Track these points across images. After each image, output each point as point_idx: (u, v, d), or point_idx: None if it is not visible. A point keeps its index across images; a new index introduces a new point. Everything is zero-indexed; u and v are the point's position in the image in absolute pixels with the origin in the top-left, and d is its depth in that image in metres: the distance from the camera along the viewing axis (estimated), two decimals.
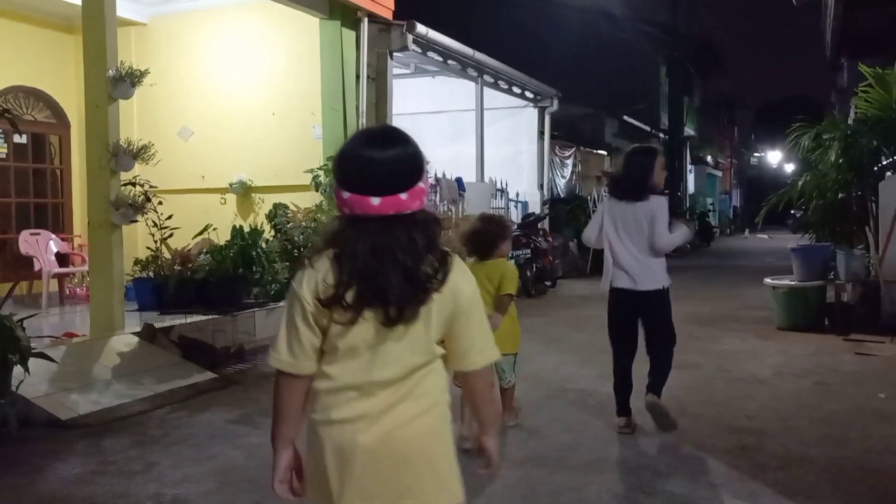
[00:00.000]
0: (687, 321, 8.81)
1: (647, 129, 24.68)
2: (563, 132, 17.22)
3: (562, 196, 16.66)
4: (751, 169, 50.63)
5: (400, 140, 1.79)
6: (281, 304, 5.06)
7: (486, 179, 12.57)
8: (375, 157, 1.72)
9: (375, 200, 1.69)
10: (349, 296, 1.69)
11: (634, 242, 4.38)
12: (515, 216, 13.68)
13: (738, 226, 40.00)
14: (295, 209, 8.17)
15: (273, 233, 7.97)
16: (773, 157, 45.89)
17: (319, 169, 9.01)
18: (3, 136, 8.78)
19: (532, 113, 15.05)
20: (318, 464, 1.78)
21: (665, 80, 27.33)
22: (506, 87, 13.50)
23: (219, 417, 4.94)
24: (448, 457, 1.85)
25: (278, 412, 1.82)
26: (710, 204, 35.56)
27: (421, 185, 1.75)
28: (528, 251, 11.77)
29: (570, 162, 17.77)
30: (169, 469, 3.98)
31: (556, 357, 6.73)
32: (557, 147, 16.86)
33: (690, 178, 31.71)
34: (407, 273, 1.70)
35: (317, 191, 8.99)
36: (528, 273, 11.64)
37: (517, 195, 14.08)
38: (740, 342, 7.46)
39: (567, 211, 15.74)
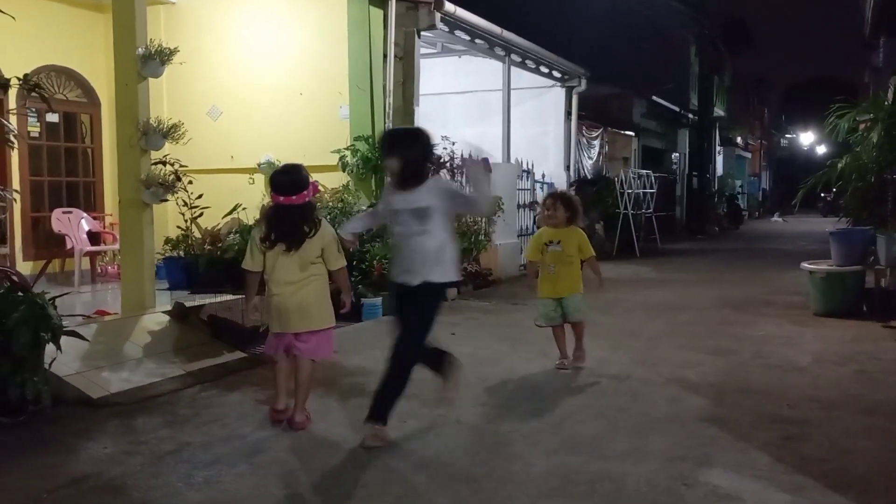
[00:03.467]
0: (718, 305, 8.69)
1: (676, 109, 24.30)
2: (591, 112, 16.97)
3: (588, 177, 16.46)
4: (781, 151, 49.80)
5: (294, 171, 4.27)
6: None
7: (513, 160, 12.44)
8: (279, 180, 4.23)
9: (280, 198, 4.18)
10: (271, 237, 4.18)
11: None
12: (541, 197, 13.52)
13: (768, 208, 39.46)
14: (322, 189, 8.12)
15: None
16: (805, 138, 45.05)
17: (346, 149, 8.95)
18: (35, 114, 8.82)
19: (559, 93, 14.83)
20: (270, 311, 4.30)
21: (695, 59, 26.86)
22: (533, 66, 13.29)
23: (248, 398, 4.92)
24: (327, 306, 4.34)
25: (247, 289, 4.43)
26: (740, 186, 35.08)
27: (304, 192, 4.19)
28: None
29: (597, 143, 17.53)
30: (200, 449, 3.95)
31: (584, 341, 6.62)
32: (584, 127, 16.63)
33: (719, 160, 31.25)
34: (293, 229, 4.16)
35: (343, 171, 8.93)
36: None
37: (543, 176, 13.93)
38: (775, 328, 7.31)
39: (594, 192, 15.55)
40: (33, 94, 5.01)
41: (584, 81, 14.84)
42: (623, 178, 16.19)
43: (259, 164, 9.30)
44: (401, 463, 3.77)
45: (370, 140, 9.04)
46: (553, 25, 19.12)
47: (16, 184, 8.08)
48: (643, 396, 4.92)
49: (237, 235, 7.14)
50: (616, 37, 21.96)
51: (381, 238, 8.28)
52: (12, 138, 5.48)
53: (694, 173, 25.71)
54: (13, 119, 5.66)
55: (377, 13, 9.12)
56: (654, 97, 22.01)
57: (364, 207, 8.76)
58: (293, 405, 4.33)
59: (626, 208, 15.64)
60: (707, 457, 3.75)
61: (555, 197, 5.84)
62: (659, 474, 3.51)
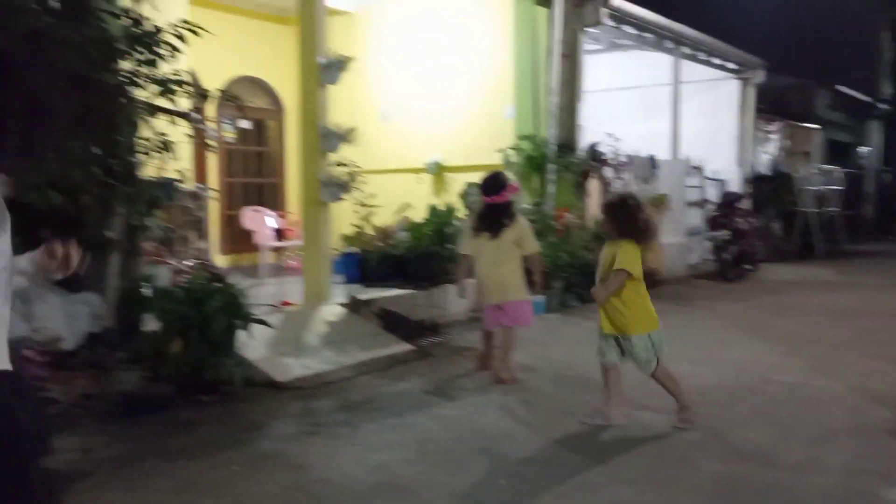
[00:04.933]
0: None
1: (868, 99, 22.32)
2: (768, 105, 16.01)
3: (765, 173, 15.56)
4: None
5: (496, 178, 5.34)
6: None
7: (681, 157, 12.02)
8: (486, 184, 5.33)
9: (486, 198, 5.30)
10: (479, 227, 5.31)
11: None
12: (712, 195, 12.99)
13: None
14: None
15: (465, 211, 8.16)
16: None
17: (510, 148, 9.07)
18: (230, 121, 9.70)
19: (733, 85, 14.13)
20: (479, 286, 5.38)
21: (890, 45, 24.53)
22: (705, 58, 12.75)
23: (416, 388, 5.16)
24: (521, 283, 5.34)
25: (459, 269, 5.52)
26: None
27: (503, 193, 5.27)
28: (727, 232, 11.16)
29: (774, 137, 16.53)
30: (372, 434, 4.20)
31: (757, 346, 6.33)
32: (761, 121, 15.72)
33: None
34: (495, 221, 5.27)
35: (507, 170, 9.05)
36: (726, 255, 11.04)
37: (715, 173, 13.33)
38: None
39: (770, 189, 14.70)
40: (231, 103, 5.53)
41: (760, 72, 14.05)
42: (803, 174, 15.15)
43: (426, 165, 9.64)
44: (566, 461, 3.82)
45: (534, 139, 9.11)
46: (727, 14, 18.23)
47: (214, 184, 8.93)
48: (821, 406, 4.64)
49: (406, 233, 7.46)
50: (797, 23, 20.57)
51: (541, 236, 8.32)
52: (213, 143, 6.06)
53: (886, 169, 23.51)
54: (212, 126, 6.26)
55: (542, 12, 9.16)
56: (840, 87, 20.35)
57: (526, 205, 8.85)
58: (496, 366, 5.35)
59: (806, 206, 14.63)
60: (891, 472, 3.50)
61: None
62: (836, 488, 3.33)
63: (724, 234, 11.11)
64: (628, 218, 4.23)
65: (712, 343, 6.53)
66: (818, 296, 9.31)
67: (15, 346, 3.89)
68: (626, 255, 4.17)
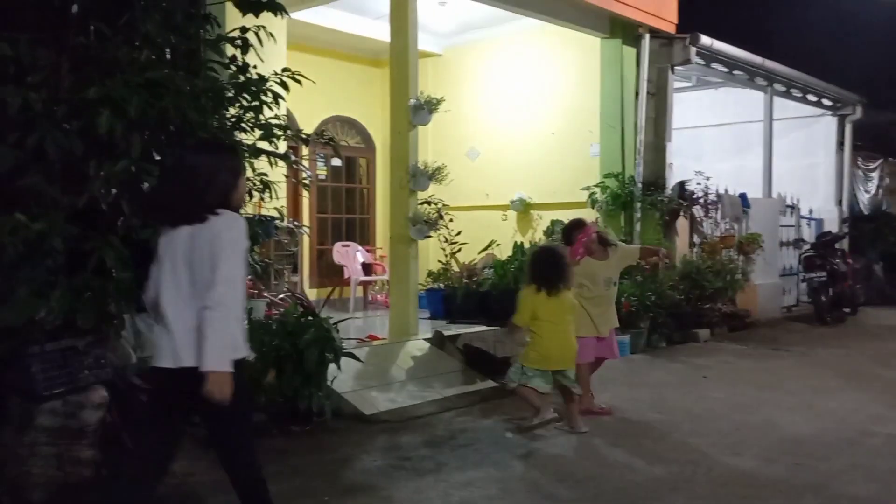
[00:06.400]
0: None
1: None
2: (868, 141, 15.41)
3: (865, 213, 14.93)
4: None
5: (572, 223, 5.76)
6: None
7: (775, 195, 11.70)
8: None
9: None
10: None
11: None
12: (808, 235, 12.56)
13: None
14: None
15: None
16: None
17: (596, 186, 9.07)
18: (323, 159, 10.09)
19: (829, 122, 13.71)
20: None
21: None
22: (799, 95, 12.44)
23: (499, 426, 5.18)
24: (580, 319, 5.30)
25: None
26: None
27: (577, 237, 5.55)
28: (824, 274, 10.75)
29: (875, 175, 15.86)
30: (456, 471, 4.25)
31: (857, 395, 6.07)
32: (860, 159, 15.14)
33: None
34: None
35: (592, 208, 9.05)
36: (823, 298, 10.63)
37: (810, 212, 12.91)
38: None
39: (871, 230, 14.10)
40: (329, 145, 5.77)
41: (859, 109, 13.59)
42: None
43: (512, 202, 9.73)
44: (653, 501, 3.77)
45: (620, 177, 9.08)
46: (823, 49, 17.70)
47: (306, 220, 9.28)
48: None
49: (491, 270, 7.54)
50: None
51: (629, 275, 8.24)
52: (307, 182, 6.33)
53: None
54: (306, 164, 6.54)
55: (630, 52, 9.19)
56: None
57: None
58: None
59: None
60: None
61: None
62: None
63: (820, 275, 10.72)
64: (534, 269, 5.22)
65: (808, 391, 6.29)
66: None
67: (125, 373, 4.17)
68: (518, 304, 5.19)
